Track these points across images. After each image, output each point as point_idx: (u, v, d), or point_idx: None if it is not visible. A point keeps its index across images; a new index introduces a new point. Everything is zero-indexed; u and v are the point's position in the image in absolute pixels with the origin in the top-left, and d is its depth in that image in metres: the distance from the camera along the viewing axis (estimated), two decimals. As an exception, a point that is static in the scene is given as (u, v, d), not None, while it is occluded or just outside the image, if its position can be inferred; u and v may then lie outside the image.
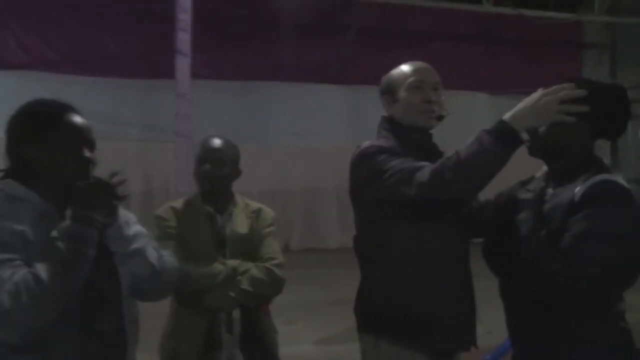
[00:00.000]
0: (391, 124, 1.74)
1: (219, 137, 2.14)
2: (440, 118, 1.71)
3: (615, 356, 1.46)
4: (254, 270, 2.02)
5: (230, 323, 2.01)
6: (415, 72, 1.72)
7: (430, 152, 1.74)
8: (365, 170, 1.65)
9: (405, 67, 1.75)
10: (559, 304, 1.43)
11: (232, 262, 2.02)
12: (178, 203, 2.16)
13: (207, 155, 2.08)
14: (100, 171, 1.37)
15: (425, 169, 1.51)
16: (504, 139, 1.43)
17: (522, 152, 1.53)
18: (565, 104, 1.41)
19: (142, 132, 7.78)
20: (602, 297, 1.43)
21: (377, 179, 1.60)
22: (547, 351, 1.48)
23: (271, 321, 2.14)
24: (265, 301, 2.08)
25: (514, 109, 1.46)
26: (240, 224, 2.10)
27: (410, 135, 1.71)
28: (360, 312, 1.74)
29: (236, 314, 2.01)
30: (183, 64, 2.59)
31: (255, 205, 2.19)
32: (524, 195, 1.56)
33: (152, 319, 1.89)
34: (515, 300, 1.58)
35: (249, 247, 2.08)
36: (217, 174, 2.06)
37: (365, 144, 1.70)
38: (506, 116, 1.45)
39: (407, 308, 1.62)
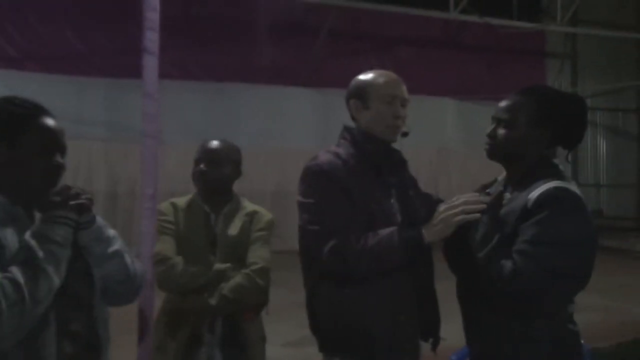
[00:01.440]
0: (351, 134, 1.73)
1: (219, 139, 2.18)
2: (404, 134, 1.75)
3: (561, 357, 1.50)
4: (238, 276, 2.00)
5: (212, 323, 2.01)
6: (389, 85, 1.72)
7: (393, 159, 1.75)
8: (301, 190, 1.67)
9: (379, 78, 1.74)
10: (507, 306, 1.47)
11: (220, 266, 2.01)
12: (180, 199, 2.18)
13: (202, 156, 2.11)
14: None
15: (332, 242, 1.54)
16: (411, 246, 1.53)
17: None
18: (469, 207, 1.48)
19: (108, 132, 7.62)
20: (550, 301, 1.47)
21: (302, 210, 1.64)
22: (497, 352, 1.52)
23: (258, 328, 2.11)
24: (247, 308, 2.05)
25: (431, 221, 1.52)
26: (231, 225, 2.09)
27: (370, 145, 1.70)
28: (314, 332, 1.73)
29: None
30: (150, 64, 2.53)
31: (252, 207, 2.17)
32: (483, 199, 1.59)
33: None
34: (469, 302, 1.62)
35: (239, 250, 2.06)
36: (211, 174, 2.08)
37: (318, 155, 1.69)
38: (424, 227, 1.52)
39: (351, 327, 1.62)
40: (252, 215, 2.14)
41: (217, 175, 2.09)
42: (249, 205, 2.18)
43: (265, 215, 2.18)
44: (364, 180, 1.65)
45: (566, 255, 1.41)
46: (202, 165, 2.09)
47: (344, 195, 1.60)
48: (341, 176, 1.62)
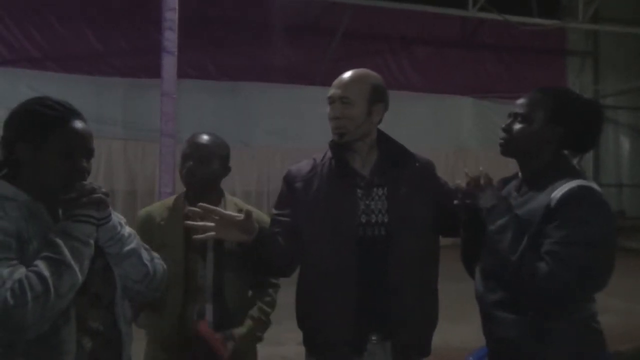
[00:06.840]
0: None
1: (208, 133, 2.04)
2: (341, 136, 1.74)
3: (586, 356, 1.49)
4: (272, 292, 2.04)
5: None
6: (330, 88, 1.76)
7: (386, 159, 1.78)
8: None
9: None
10: (536, 307, 1.46)
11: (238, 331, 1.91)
12: (156, 205, 2.08)
13: (192, 152, 1.96)
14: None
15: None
16: None
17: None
18: None
19: (126, 131, 7.72)
20: (575, 300, 1.47)
21: None
22: (519, 352, 1.51)
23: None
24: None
25: None
26: None
27: (331, 148, 1.81)
28: None
29: (209, 315, 1.91)
30: (169, 63, 2.56)
31: (249, 209, 2.00)
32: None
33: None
34: (489, 301, 1.60)
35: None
36: (201, 171, 1.94)
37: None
38: None
39: (302, 322, 1.79)
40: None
41: (207, 172, 1.95)
42: (244, 206, 2.05)
43: (264, 215, 2.06)
44: (324, 182, 1.74)
45: (595, 255, 1.41)
46: (190, 162, 1.95)
47: (290, 198, 1.78)
48: (296, 181, 1.78)
